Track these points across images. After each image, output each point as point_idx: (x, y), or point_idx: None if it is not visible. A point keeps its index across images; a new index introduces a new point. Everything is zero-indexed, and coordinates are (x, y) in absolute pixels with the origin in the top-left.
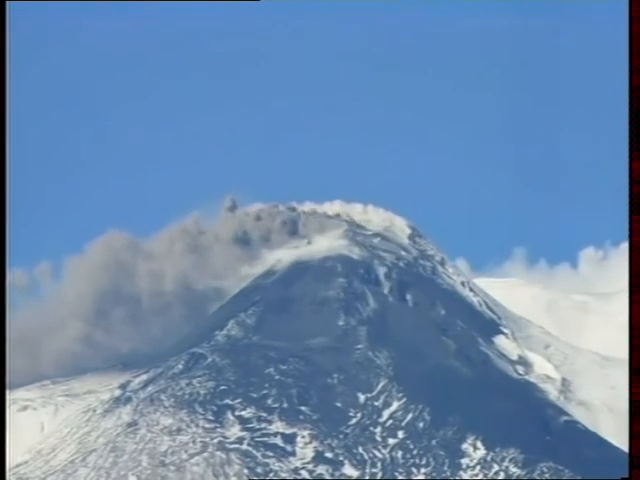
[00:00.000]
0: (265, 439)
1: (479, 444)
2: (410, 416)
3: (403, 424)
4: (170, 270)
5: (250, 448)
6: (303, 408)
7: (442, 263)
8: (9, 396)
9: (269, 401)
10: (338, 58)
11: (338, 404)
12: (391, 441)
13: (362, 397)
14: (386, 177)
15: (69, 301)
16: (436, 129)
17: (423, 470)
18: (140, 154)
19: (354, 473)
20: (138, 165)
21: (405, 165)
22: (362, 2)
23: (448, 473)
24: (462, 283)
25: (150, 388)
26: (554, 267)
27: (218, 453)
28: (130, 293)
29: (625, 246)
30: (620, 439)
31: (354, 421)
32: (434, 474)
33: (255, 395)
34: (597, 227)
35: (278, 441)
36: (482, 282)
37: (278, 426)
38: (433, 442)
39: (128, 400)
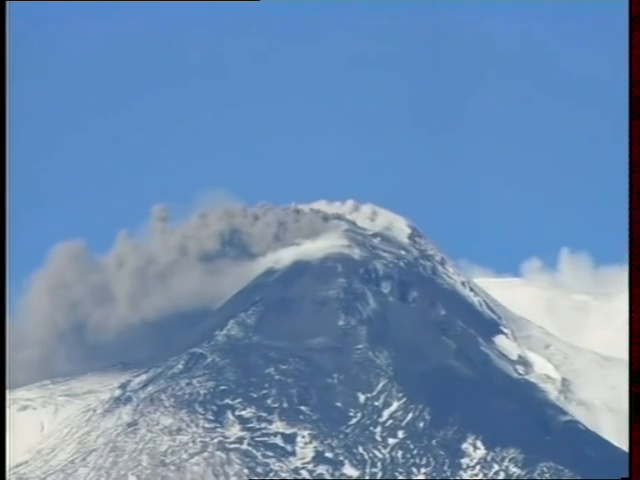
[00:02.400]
0: (265, 439)
1: (479, 444)
2: (410, 416)
3: (403, 424)
4: (126, 296)
5: (250, 448)
6: (303, 408)
7: (442, 263)
8: (9, 396)
9: (269, 401)
10: (337, 58)
11: (338, 404)
12: (391, 441)
13: (362, 397)
14: (386, 177)
15: (24, 331)
16: (436, 129)
17: (423, 470)
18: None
19: (354, 473)
20: (91, 178)
21: (405, 165)
22: (362, 2)
23: (448, 473)
24: (462, 283)
25: (150, 388)
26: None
27: (218, 453)
28: (84, 325)
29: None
30: (620, 439)
31: (354, 421)
32: (434, 474)
33: (255, 395)
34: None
35: (278, 441)
36: (482, 282)
37: (278, 426)
38: (433, 442)
39: (128, 400)
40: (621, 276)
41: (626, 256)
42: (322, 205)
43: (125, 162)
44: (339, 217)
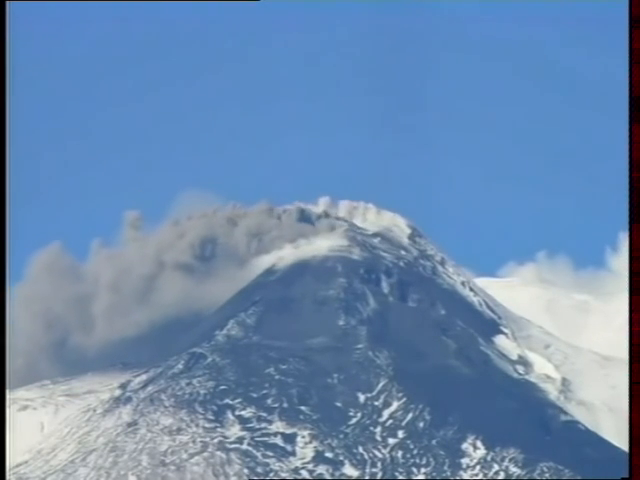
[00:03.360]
0: (265, 439)
1: (479, 444)
2: (410, 416)
3: (403, 424)
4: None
5: (250, 448)
6: (303, 408)
7: (442, 263)
8: (9, 396)
9: (269, 401)
10: (338, 58)
11: (338, 404)
12: (391, 441)
13: (362, 397)
14: (386, 177)
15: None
16: (436, 129)
17: (423, 470)
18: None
19: (354, 473)
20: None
21: (405, 165)
22: (363, 2)
23: (448, 473)
24: (462, 283)
25: (150, 388)
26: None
27: (218, 453)
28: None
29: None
30: (620, 439)
31: (354, 421)
32: (434, 474)
33: (255, 395)
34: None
35: (278, 441)
36: (482, 282)
37: (278, 426)
38: (433, 442)
39: (128, 400)
40: (601, 278)
41: (604, 258)
42: (321, 205)
43: (101, 166)
44: (339, 217)
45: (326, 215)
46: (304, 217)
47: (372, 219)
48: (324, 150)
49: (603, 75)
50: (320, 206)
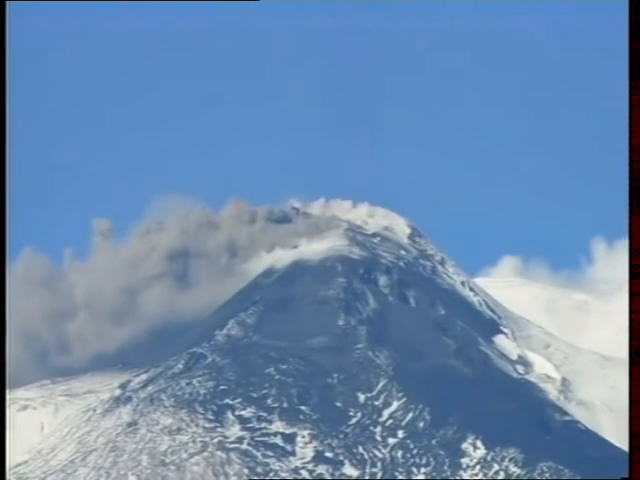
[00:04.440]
0: (265, 439)
1: (479, 444)
2: (410, 416)
3: (403, 424)
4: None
5: (250, 448)
6: (303, 408)
7: (442, 263)
8: (9, 396)
9: (269, 401)
10: (338, 57)
11: (338, 404)
12: (391, 441)
13: (362, 397)
14: (386, 177)
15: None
16: (436, 129)
17: (423, 470)
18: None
19: (354, 473)
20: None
21: (405, 165)
22: (365, 2)
23: (448, 473)
24: (462, 283)
25: (150, 388)
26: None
27: (218, 453)
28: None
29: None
30: (620, 439)
31: (354, 421)
32: (434, 474)
33: (255, 395)
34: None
35: (278, 441)
36: (482, 282)
37: (278, 426)
38: (433, 442)
39: (128, 400)
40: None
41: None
42: (322, 205)
43: (71, 173)
44: (339, 217)
45: (297, 213)
46: (277, 217)
47: (372, 219)
48: (301, 149)
49: (601, 76)
50: (289, 205)
